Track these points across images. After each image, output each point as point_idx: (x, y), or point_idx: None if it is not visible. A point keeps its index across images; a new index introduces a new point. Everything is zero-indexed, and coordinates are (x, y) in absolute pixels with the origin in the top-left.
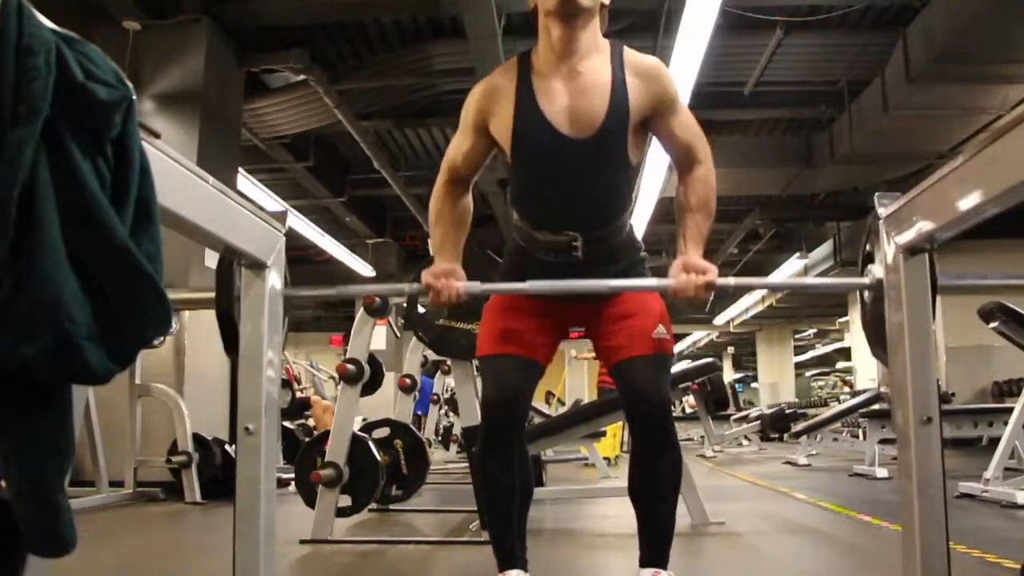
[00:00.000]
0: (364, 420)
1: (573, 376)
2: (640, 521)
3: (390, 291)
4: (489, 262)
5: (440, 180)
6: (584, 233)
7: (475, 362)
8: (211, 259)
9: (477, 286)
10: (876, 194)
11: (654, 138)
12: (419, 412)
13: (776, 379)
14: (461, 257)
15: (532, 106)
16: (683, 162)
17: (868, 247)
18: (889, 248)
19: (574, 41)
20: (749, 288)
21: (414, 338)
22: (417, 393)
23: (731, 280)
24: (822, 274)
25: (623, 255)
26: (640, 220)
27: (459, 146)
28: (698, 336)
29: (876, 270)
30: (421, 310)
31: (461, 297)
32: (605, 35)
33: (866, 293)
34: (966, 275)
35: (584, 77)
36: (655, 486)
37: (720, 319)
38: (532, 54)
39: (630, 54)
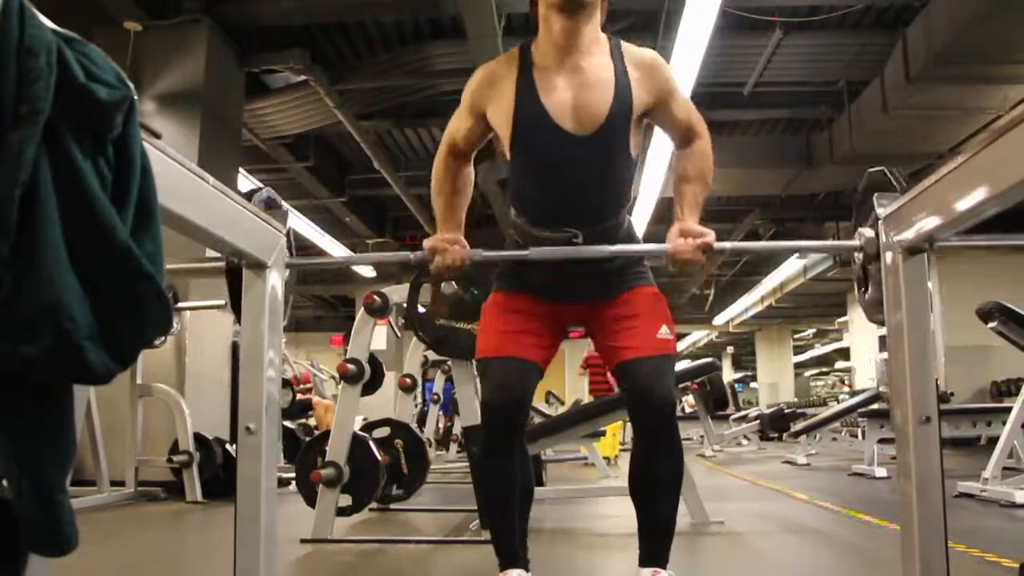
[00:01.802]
0: (365, 420)
1: (574, 376)
2: (640, 520)
3: (396, 258)
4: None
5: (440, 152)
6: (583, 230)
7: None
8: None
9: (479, 253)
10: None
11: (653, 135)
12: (443, 413)
13: (775, 379)
14: (463, 227)
15: (533, 100)
16: (683, 140)
17: (857, 212)
18: (889, 248)
19: (576, 35)
20: (745, 252)
21: (414, 338)
22: (439, 394)
23: (727, 244)
24: (821, 274)
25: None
26: (640, 220)
27: (458, 125)
28: (698, 336)
29: (866, 232)
30: (421, 310)
31: (465, 261)
32: (602, 30)
33: (858, 255)
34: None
35: (587, 73)
36: (657, 486)
37: (719, 319)
38: (532, 47)
39: (628, 48)
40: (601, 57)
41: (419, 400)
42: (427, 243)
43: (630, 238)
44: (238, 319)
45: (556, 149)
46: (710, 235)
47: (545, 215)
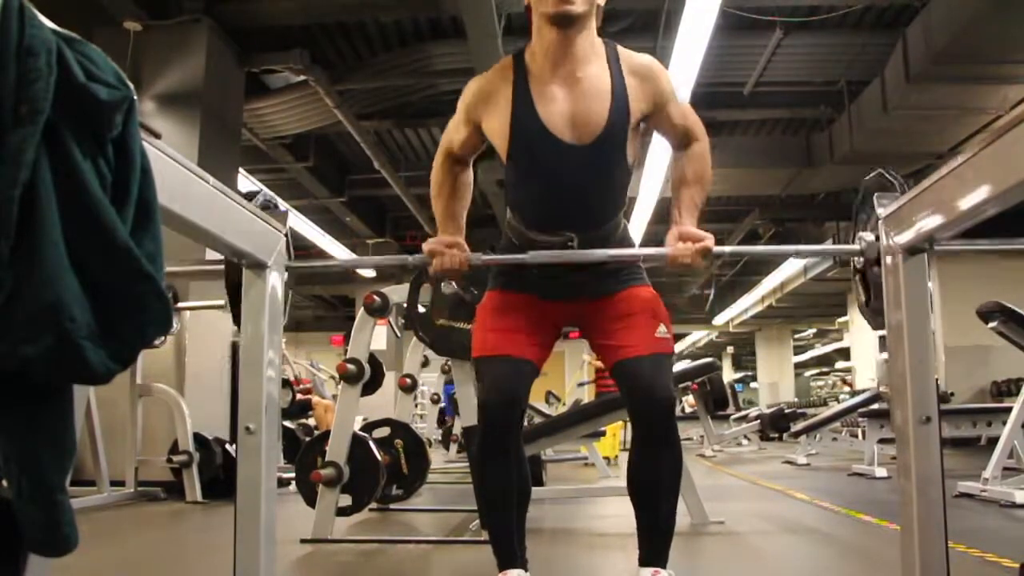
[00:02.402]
0: (365, 420)
1: (575, 377)
2: (640, 520)
3: (395, 261)
4: None
5: (438, 157)
6: (579, 234)
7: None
8: (211, 259)
9: (478, 256)
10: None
11: (652, 138)
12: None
13: (775, 379)
14: (463, 230)
15: (530, 112)
16: (680, 143)
17: (857, 216)
18: (889, 248)
19: (569, 45)
20: (744, 256)
21: (414, 338)
22: (438, 394)
23: (727, 248)
24: (821, 274)
25: None
26: (640, 220)
27: (454, 134)
28: (697, 336)
29: (866, 236)
30: (421, 309)
31: (464, 264)
32: (599, 33)
33: (859, 260)
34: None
35: (583, 82)
36: (656, 485)
37: (719, 319)
38: (527, 54)
39: (625, 54)
40: (598, 65)
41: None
42: (426, 246)
43: (624, 240)
44: (236, 322)
45: (553, 159)
46: (709, 239)
47: (541, 220)
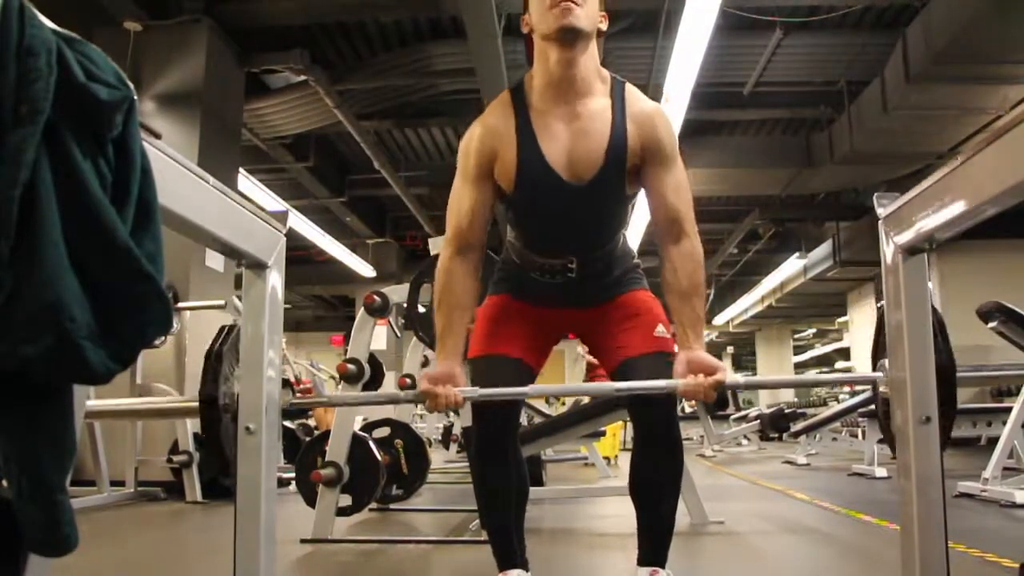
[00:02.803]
0: (365, 420)
1: (574, 377)
2: (640, 519)
3: (385, 400)
4: (487, 260)
5: (446, 253)
6: (580, 257)
7: None
8: (211, 259)
9: (475, 391)
10: (876, 194)
11: None
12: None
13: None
14: (462, 351)
15: (534, 148)
16: (668, 232)
17: (877, 342)
18: (888, 248)
19: (574, 67)
20: (760, 386)
21: (414, 338)
22: None
23: (740, 378)
24: (821, 274)
25: (617, 266)
26: (639, 221)
27: (463, 201)
28: None
29: (888, 364)
30: (421, 309)
31: (460, 403)
32: (603, 63)
33: (881, 388)
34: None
35: (584, 119)
36: (657, 485)
37: (719, 319)
38: (526, 86)
39: (632, 95)
40: (600, 99)
41: None
42: (421, 386)
43: (625, 255)
44: (226, 481)
45: (553, 194)
46: (721, 371)
47: (541, 245)
